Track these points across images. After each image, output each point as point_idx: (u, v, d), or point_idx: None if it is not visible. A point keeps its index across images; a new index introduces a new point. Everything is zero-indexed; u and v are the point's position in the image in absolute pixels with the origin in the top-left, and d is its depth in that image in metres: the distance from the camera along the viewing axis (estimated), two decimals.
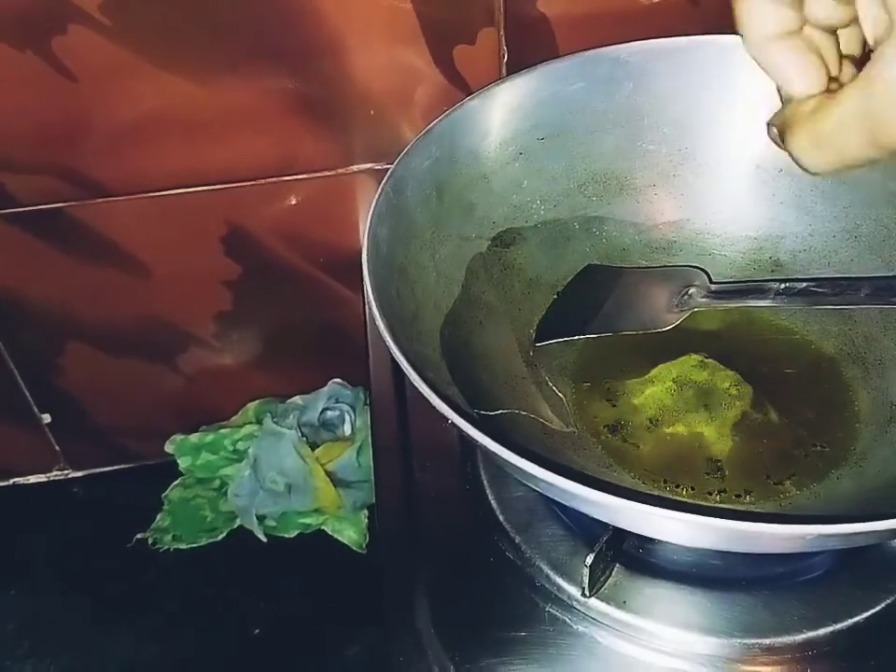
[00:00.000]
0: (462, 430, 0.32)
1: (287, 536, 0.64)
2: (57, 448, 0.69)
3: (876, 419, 0.42)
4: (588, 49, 0.47)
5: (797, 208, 0.48)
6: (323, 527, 0.64)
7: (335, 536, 0.64)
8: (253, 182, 0.56)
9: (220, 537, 0.65)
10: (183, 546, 0.65)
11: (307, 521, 0.64)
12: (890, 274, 0.45)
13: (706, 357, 0.45)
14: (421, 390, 0.33)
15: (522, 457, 0.30)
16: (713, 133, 0.48)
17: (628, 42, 0.47)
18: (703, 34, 0.47)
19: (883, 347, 0.44)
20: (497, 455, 0.31)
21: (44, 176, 0.53)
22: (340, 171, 0.56)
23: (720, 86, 0.47)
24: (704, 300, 0.46)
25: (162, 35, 0.49)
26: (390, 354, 0.50)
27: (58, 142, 0.52)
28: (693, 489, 0.41)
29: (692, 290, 0.46)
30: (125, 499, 0.69)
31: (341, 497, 0.63)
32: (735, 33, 0.47)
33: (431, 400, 0.33)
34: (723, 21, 0.49)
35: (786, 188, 0.48)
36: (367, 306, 0.56)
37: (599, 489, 0.29)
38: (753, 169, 0.49)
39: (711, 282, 0.47)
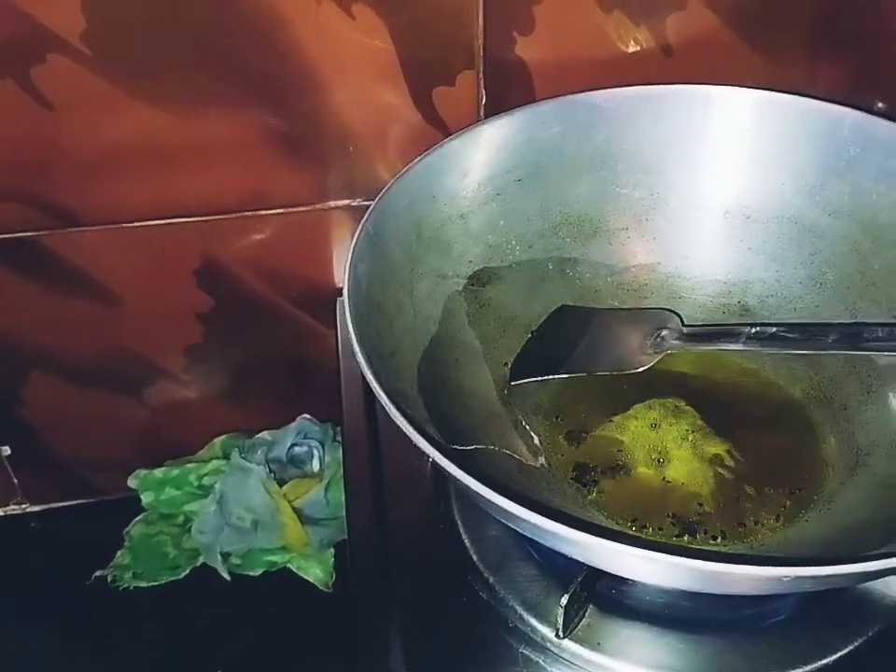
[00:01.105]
0: (440, 466, 0.32)
1: (251, 574, 0.63)
2: (15, 481, 0.67)
3: (843, 462, 0.43)
4: (565, 95, 0.48)
5: (765, 254, 0.49)
6: (289, 565, 0.63)
7: (301, 574, 0.63)
8: (228, 215, 0.56)
9: (183, 575, 0.64)
10: (144, 584, 0.63)
11: (273, 558, 0.63)
12: (856, 321, 0.46)
13: (678, 400, 0.45)
14: (400, 425, 0.33)
15: (500, 495, 0.31)
16: (684, 180, 0.50)
17: (604, 89, 0.48)
18: (676, 83, 0.49)
19: (848, 392, 0.46)
20: (474, 491, 0.31)
21: (15, 204, 0.53)
22: (316, 206, 0.56)
23: (691, 133, 0.49)
24: (676, 342, 0.46)
25: (142, 66, 0.49)
26: (364, 389, 0.50)
27: (31, 170, 0.52)
28: (660, 530, 0.41)
29: (664, 333, 0.47)
30: (85, 535, 0.67)
31: (308, 535, 0.62)
32: (706, 83, 0.49)
33: (410, 435, 0.33)
34: (693, 72, 0.52)
35: (754, 234, 0.49)
36: (340, 340, 0.56)
37: (576, 527, 0.30)
38: (722, 215, 0.50)
39: (684, 325, 0.48)
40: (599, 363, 0.47)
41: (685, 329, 0.48)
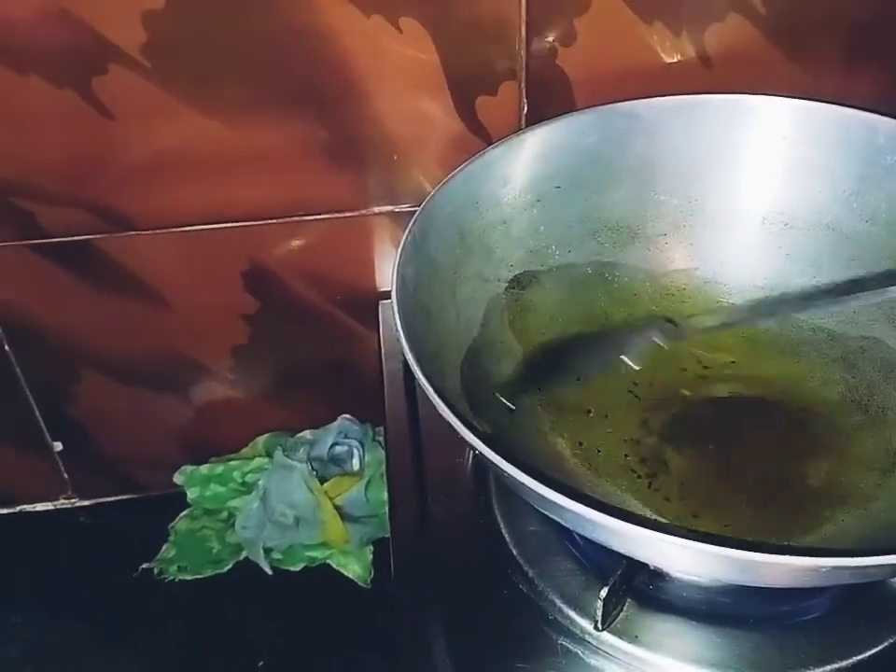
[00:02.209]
0: (488, 459, 0.34)
1: (292, 569, 0.65)
2: (66, 476, 0.70)
3: (880, 465, 0.44)
4: (604, 104, 0.50)
5: (802, 260, 0.50)
6: (328, 561, 0.65)
7: (340, 570, 0.64)
8: (275, 220, 0.58)
9: (226, 568, 0.65)
10: (188, 577, 0.65)
11: (313, 554, 0.64)
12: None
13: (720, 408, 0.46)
14: (449, 420, 0.34)
15: (547, 486, 0.32)
16: (721, 187, 0.51)
17: (643, 98, 0.50)
18: (712, 92, 0.50)
19: (885, 394, 0.46)
20: (519, 482, 0.32)
21: (74, 209, 0.55)
22: (360, 212, 0.58)
23: (728, 142, 0.50)
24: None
25: (197, 77, 0.51)
26: (405, 389, 0.52)
27: (90, 176, 0.54)
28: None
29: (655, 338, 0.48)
30: (131, 529, 0.69)
31: (348, 532, 0.64)
32: (743, 92, 0.50)
33: (458, 430, 0.34)
34: (733, 82, 0.53)
35: (791, 240, 0.50)
36: (382, 342, 0.58)
37: (617, 517, 0.31)
38: (760, 221, 0.51)
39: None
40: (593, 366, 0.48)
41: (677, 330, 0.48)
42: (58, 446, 0.68)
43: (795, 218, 0.50)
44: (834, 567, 0.30)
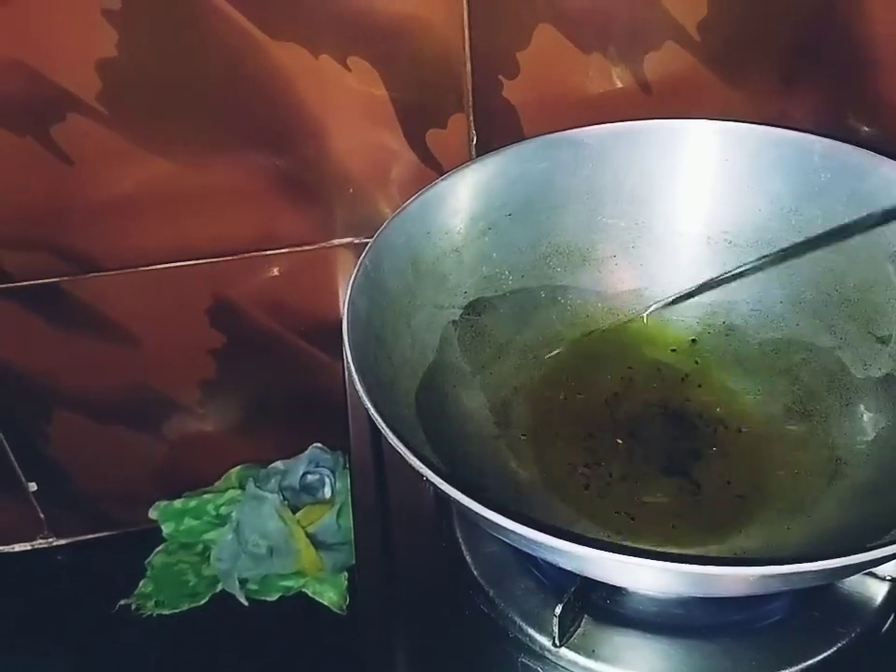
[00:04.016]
0: (437, 488, 0.35)
1: (268, 599, 0.65)
2: (42, 516, 0.70)
3: (823, 472, 0.45)
4: (551, 133, 0.51)
5: (746, 277, 0.52)
6: (304, 589, 0.65)
7: (316, 598, 0.65)
8: (237, 256, 0.59)
9: (203, 601, 0.66)
10: (166, 611, 0.66)
11: (288, 583, 0.65)
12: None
13: (661, 415, 0.48)
14: (398, 449, 0.35)
15: (496, 512, 0.33)
16: (666, 209, 0.52)
17: (588, 126, 0.51)
18: (655, 118, 0.52)
19: (828, 406, 0.48)
20: (472, 510, 0.33)
21: (38, 253, 0.56)
22: (320, 245, 0.59)
23: (670, 165, 0.52)
24: None
25: (153, 120, 0.52)
26: (369, 418, 0.52)
27: (52, 220, 0.55)
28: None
29: None
30: (108, 566, 0.69)
31: (321, 560, 0.65)
32: (682, 117, 0.52)
33: (408, 459, 0.35)
34: (674, 107, 0.55)
35: (735, 258, 0.52)
36: (346, 372, 0.59)
37: (564, 538, 0.32)
38: (704, 241, 0.52)
39: None
40: None
41: None
42: (33, 486, 0.68)
43: (738, 237, 0.52)
44: (778, 575, 0.31)
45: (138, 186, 0.54)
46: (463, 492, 0.34)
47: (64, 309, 0.59)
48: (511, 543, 0.37)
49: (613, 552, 0.32)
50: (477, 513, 0.33)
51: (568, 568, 0.36)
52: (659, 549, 0.42)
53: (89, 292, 0.58)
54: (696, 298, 0.52)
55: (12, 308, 0.58)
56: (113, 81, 0.50)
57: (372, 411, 0.37)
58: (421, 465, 0.35)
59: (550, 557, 0.36)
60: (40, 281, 0.57)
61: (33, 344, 0.60)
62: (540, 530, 0.32)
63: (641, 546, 0.42)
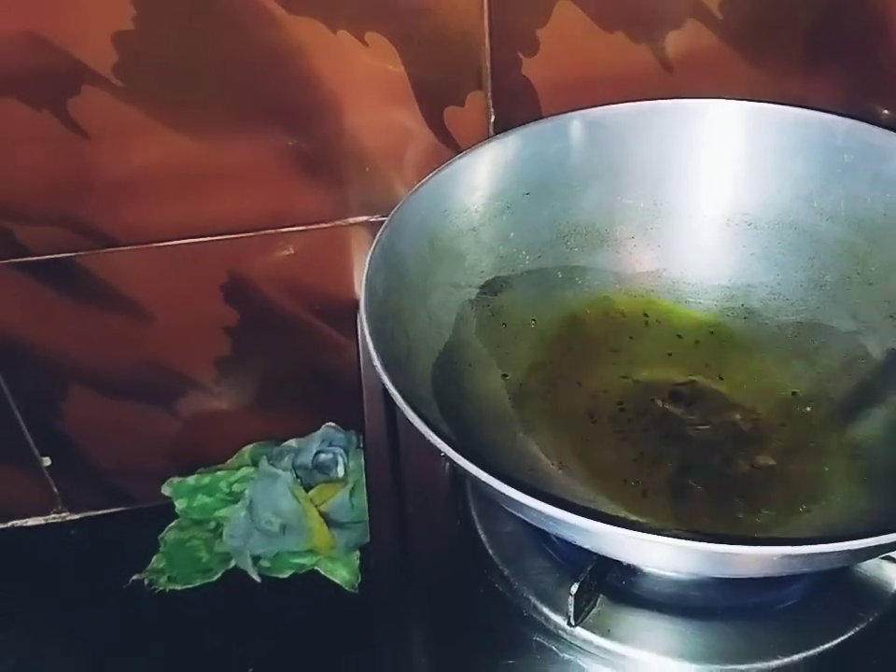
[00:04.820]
0: (455, 463, 0.35)
1: (280, 576, 0.66)
2: (55, 491, 0.71)
3: (842, 457, 0.45)
4: (569, 111, 0.51)
5: (766, 259, 0.51)
6: (316, 567, 0.65)
7: (328, 576, 0.65)
8: (253, 233, 0.59)
9: (215, 578, 0.66)
10: (178, 587, 0.66)
11: (301, 561, 0.65)
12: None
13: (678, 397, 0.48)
14: (415, 424, 0.35)
15: (513, 487, 0.33)
16: (687, 190, 0.52)
17: (607, 105, 0.51)
18: (676, 97, 0.51)
19: (846, 388, 0.47)
20: (487, 484, 0.33)
21: (54, 227, 0.56)
22: (336, 223, 0.59)
23: (691, 146, 0.51)
24: None
25: (169, 95, 0.52)
26: (384, 396, 0.53)
27: (68, 195, 0.55)
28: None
29: None
30: (121, 541, 0.70)
31: (334, 538, 0.65)
32: (704, 96, 0.51)
33: (425, 433, 0.35)
34: (695, 87, 0.54)
35: (755, 240, 0.51)
36: (361, 350, 0.59)
37: (582, 515, 0.32)
38: (724, 223, 0.52)
39: None
40: None
41: None
42: (47, 461, 0.68)
43: (758, 219, 0.51)
44: (797, 556, 0.31)
45: (154, 161, 0.54)
46: (480, 467, 0.34)
47: (79, 284, 0.59)
48: (528, 520, 0.37)
49: (630, 528, 0.32)
50: (494, 488, 0.33)
51: (585, 546, 0.36)
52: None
53: (104, 267, 0.58)
54: (716, 281, 0.52)
55: (27, 282, 0.58)
56: (129, 54, 0.49)
57: (390, 386, 0.37)
58: (438, 440, 0.35)
59: (566, 534, 0.36)
60: (55, 255, 0.57)
61: (47, 319, 0.60)
62: (557, 506, 0.32)
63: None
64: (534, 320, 0.51)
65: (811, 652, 0.40)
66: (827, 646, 0.40)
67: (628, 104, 0.51)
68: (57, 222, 0.56)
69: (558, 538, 0.43)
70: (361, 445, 0.68)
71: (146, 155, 0.54)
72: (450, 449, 0.34)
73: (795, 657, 0.40)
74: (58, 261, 0.57)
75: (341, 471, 0.67)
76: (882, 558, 0.42)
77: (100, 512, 0.72)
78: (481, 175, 0.50)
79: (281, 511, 0.64)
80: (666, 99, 0.51)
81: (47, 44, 0.48)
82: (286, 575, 0.66)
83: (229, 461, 0.69)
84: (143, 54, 0.50)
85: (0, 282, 0.58)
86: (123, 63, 0.50)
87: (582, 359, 0.50)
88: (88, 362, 0.63)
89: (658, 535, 0.31)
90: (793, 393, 0.48)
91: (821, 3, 0.54)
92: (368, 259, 0.43)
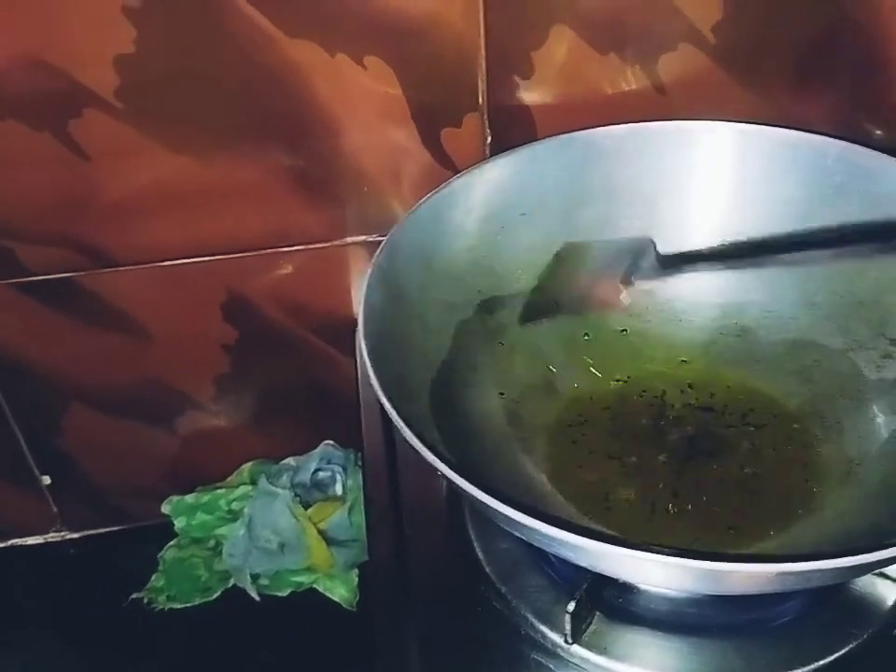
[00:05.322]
0: (452, 482, 0.35)
1: (279, 594, 0.66)
2: (55, 509, 0.71)
3: (835, 473, 0.45)
4: (565, 133, 0.51)
5: (759, 278, 0.52)
6: (315, 585, 0.66)
7: (326, 594, 0.65)
8: (251, 252, 0.59)
9: (214, 596, 0.66)
10: (177, 606, 0.66)
11: (300, 579, 0.65)
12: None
13: (674, 416, 0.48)
14: (413, 444, 0.36)
15: (511, 507, 0.33)
16: (680, 209, 0.53)
17: (602, 126, 0.52)
18: (669, 119, 0.52)
19: (841, 407, 0.48)
20: (486, 504, 0.34)
21: (55, 247, 0.56)
22: (334, 242, 0.60)
23: (683, 166, 0.52)
24: (653, 272, 0.50)
25: (169, 116, 0.52)
26: (382, 415, 0.53)
27: (69, 215, 0.55)
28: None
29: (643, 263, 0.50)
30: (120, 560, 0.70)
31: (332, 556, 0.65)
32: (698, 118, 0.52)
33: (423, 453, 0.35)
34: (689, 108, 0.55)
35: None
36: (359, 369, 0.59)
37: (575, 532, 0.32)
38: (718, 242, 0.53)
39: (657, 252, 0.51)
40: (589, 304, 0.51)
41: (661, 257, 0.50)
42: (46, 480, 0.69)
43: (751, 238, 0.52)
44: (786, 573, 0.31)
45: (154, 182, 0.55)
46: (477, 486, 0.34)
47: (79, 303, 0.59)
48: (524, 539, 0.37)
49: (625, 546, 0.32)
50: (491, 507, 0.34)
51: (581, 564, 0.36)
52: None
53: (104, 287, 0.59)
54: (710, 299, 0.52)
55: (28, 302, 0.58)
56: (130, 77, 0.50)
57: (388, 406, 0.37)
58: (436, 459, 0.35)
59: (562, 552, 0.36)
60: (56, 276, 0.58)
61: (47, 338, 0.61)
62: (553, 524, 0.33)
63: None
64: (530, 339, 0.51)
65: (805, 669, 0.40)
66: (821, 663, 0.40)
67: (622, 125, 0.52)
68: (58, 242, 0.56)
69: (555, 556, 0.43)
70: (359, 463, 0.68)
71: (146, 176, 0.54)
72: (447, 468, 0.35)
73: None
74: (58, 281, 0.58)
75: (339, 489, 0.67)
76: (875, 575, 0.42)
77: (99, 531, 0.72)
78: (477, 196, 0.50)
79: (280, 529, 0.64)
80: (660, 121, 0.52)
81: (48, 67, 0.49)
82: (285, 593, 0.66)
83: (228, 479, 0.70)
84: (143, 77, 0.50)
85: (0, 301, 0.58)
86: (124, 86, 0.50)
87: (578, 378, 0.51)
88: (87, 380, 0.64)
89: (653, 553, 0.32)
90: (786, 409, 0.49)
91: (814, 25, 0.55)
92: (366, 278, 0.43)
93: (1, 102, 0.50)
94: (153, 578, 0.67)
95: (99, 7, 0.47)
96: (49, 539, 0.72)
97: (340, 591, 0.65)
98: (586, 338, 0.52)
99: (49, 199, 0.55)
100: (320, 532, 0.65)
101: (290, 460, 0.69)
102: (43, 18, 0.48)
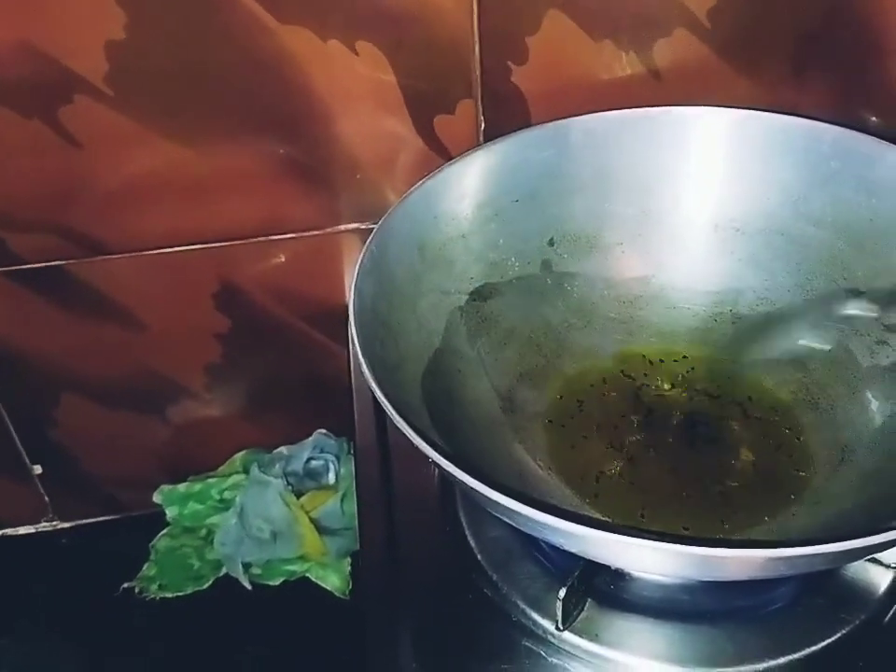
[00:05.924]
0: (443, 470, 0.35)
1: (271, 583, 0.66)
2: (46, 499, 0.71)
3: (829, 460, 0.45)
4: (559, 119, 0.51)
5: (754, 265, 0.52)
6: (307, 574, 0.65)
7: (319, 582, 0.65)
8: (244, 241, 0.59)
9: (206, 585, 0.66)
10: (169, 594, 0.66)
11: (292, 568, 0.65)
12: None
13: (668, 403, 0.48)
14: (404, 431, 0.36)
15: (501, 493, 0.33)
16: (675, 196, 0.52)
17: (596, 112, 0.51)
18: (664, 105, 0.51)
19: (835, 394, 0.48)
20: (476, 491, 0.33)
21: (45, 235, 0.56)
22: (327, 230, 0.59)
23: (678, 152, 0.51)
24: None
25: (160, 104, 0.52)
26: (374, 403, 0.53)
27: (60, 203, 0.55)
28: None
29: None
30: (112, 549, 0.70)
31: (325, 545, 0.65)
32: (692, 104, 0.52)
33: (414, 440, 0.35)
34: (684, 94, 0.54)
35: (743, 246, 0.52)
36: (351, 357, 0.59)
37: (567, 519, 0.32)
38: (712, 228, 0.52)
39: None
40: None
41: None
42: (37, 469, 0.68)
43: (746, 225, 0.52)
44: (776, 558, 0.31)
45: (145, 169, 0.54)
46: (468, 474, 0.34)
47: (71, 292, 0.59)
48: (515, 525, 0.37)
49: (616, 532, 0.32)
50: (482, 494, 0.33)
51: (572, 550, 0.36)
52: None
53: (95, 275, 0.58)
54: (704, 287, 0.52)
55: (18, 290, 0.58)
56: (121, 64, 0.50)
57: (379, 393, 0.37)
58: (427, 446, 0.35)
59: (553, 539, 0.36)
60: (47, 263, 0.57)
61: (39, 327, 0.60)
62: (544, 510, 0.32)
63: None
64: (523, 326, 0.51)
65: (798, 655, 0.40)
66: (813, 649, 0.40)
67: (616, 111, 0.51)
68: (49, 230, 0.56)
69: (546, 542, 0.43)
70: (352, 452, 0.68)
71: (137, 163, 0.54)
72: (438, 456, 0.34)
73: (782, 660, 0.40)
74: (50, 269, 0.57)
75: (332, 478, 0.67)
76: (868, 560, 0.42)
77: (91, 520, 0.72)
78: (470, 183, 0.50)
79: (272, 518, 0.64)
80: (655, 107, 0.51)
81: (38, 53, 0.48)
82: (277, 582, 0.66)
83: (220, 468, 0.70)
84: (134, 63, 0.50)
85: None
86: (115, 73, 0.50)
87: (572, 365, 0.51)
88: (79, 370, 0.63)
89: (644, 539, 0.32)
90: (780, 396, 0.49)
91: (809, 11, 0.54)
92: (357, 267, 0.43)
93: None
94: (145, 567, 0.67)
95: None
96: (40, 529, 0.72)
97: (332, 579, 0.65)
98: (580, 325, 0.52)
99: (39, 186, 0.54)
100: (312, 521, 0.65)
101: (283, 449, 0.69)
102: (32, 3, 0.47)
